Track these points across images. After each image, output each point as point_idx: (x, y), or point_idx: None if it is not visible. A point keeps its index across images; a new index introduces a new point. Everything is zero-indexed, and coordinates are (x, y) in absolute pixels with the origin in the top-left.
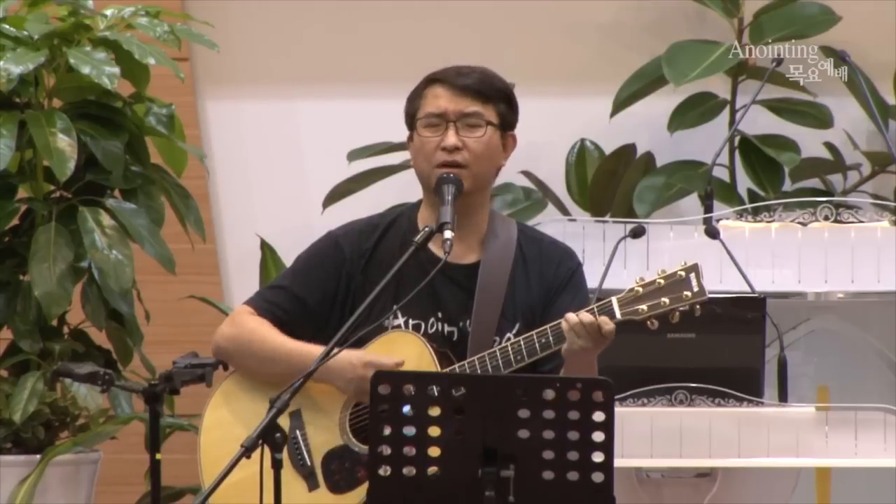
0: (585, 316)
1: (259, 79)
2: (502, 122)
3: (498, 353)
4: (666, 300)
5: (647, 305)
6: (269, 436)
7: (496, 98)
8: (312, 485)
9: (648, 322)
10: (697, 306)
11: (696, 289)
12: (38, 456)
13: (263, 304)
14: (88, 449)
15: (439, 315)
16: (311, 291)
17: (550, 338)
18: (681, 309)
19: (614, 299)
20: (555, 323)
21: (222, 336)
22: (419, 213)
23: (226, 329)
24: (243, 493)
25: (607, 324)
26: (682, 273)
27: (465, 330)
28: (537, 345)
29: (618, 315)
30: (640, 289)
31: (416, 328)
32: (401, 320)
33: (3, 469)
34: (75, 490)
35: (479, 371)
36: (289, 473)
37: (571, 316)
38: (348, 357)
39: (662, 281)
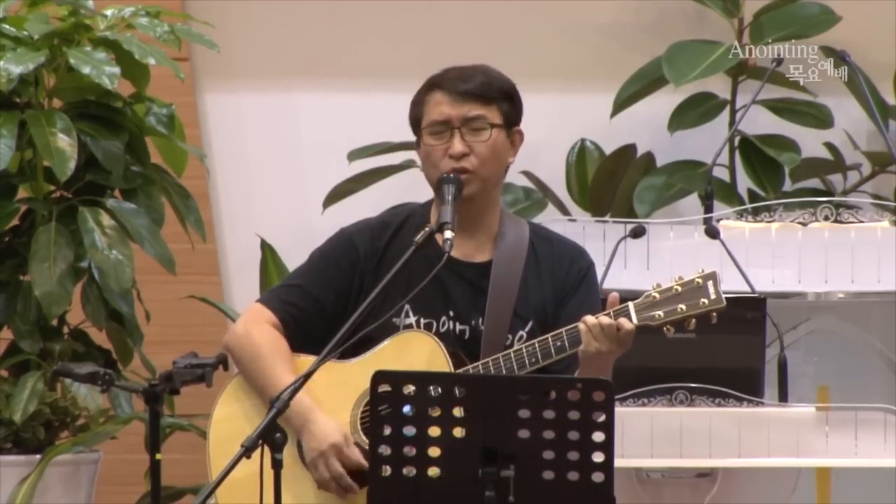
0: (604, 318)
1: (259, 79)
2: (507, 121)
3: (512, 356)
4: (683, 307)
5: (664, 311)
6: (269, 436)
7: (498, 98)
8: None
9: (665, 329)
10: (714, 314)
11: (713, 296)
12: (38, 456)
13: (278, 303)
14: (88, 449)
15: (451, 314)
16: (327, 290)
17: (566, 341)
18: (697, 316)
19: (631, 304)
20: (571, 326)
21: (232, 335)
22: (431, 215)
23: (238, 328)
24: (247, 490)
25: (627, 324)
26: (700, 280)
27: (476, 329)
28: (552, 347)
29: (634, 320)
30: (657, 295)
31: (428, 327)
32: (412, 319)
33: (3, 469)
34: (75, 490)
35: (492, 373)
36: (300, 470)
37: (590, 318)
38: (328, 428)
39: (679, 288)
